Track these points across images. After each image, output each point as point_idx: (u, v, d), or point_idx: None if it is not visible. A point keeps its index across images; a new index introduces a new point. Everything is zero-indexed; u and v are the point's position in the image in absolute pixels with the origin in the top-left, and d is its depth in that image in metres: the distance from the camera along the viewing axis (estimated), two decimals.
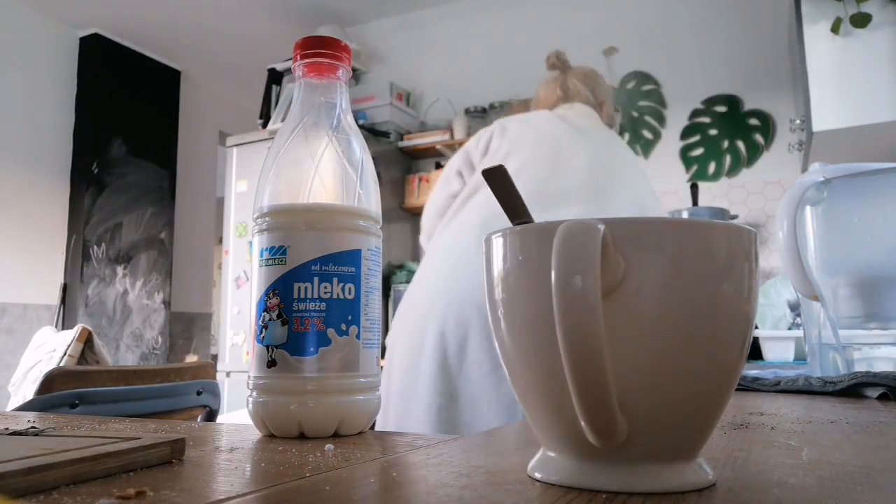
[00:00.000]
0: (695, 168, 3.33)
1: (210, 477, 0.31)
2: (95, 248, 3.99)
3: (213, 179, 4.93)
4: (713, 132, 3.32)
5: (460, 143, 2.91)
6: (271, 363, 0.44)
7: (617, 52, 3.55)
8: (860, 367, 0.75)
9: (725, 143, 3.28)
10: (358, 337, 0.45)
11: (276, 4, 3.87)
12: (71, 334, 1.81)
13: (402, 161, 3.68)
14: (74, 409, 1.07)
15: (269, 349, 0.45)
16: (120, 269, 4.12)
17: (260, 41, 4.20)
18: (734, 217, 3.10)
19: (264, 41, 4.17)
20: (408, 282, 3.19)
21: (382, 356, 0.62)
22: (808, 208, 0.82)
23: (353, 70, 3.57)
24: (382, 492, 0.27)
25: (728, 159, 3.27)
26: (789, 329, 1.90)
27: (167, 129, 4.52)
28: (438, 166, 3.64)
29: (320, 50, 0.50)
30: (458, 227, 1.32)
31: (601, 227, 0.25)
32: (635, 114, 3.50)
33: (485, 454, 0.36)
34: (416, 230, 2.78)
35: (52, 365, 1.74)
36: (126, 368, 1.26)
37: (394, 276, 3.36)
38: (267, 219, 0.46)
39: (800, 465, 0.32)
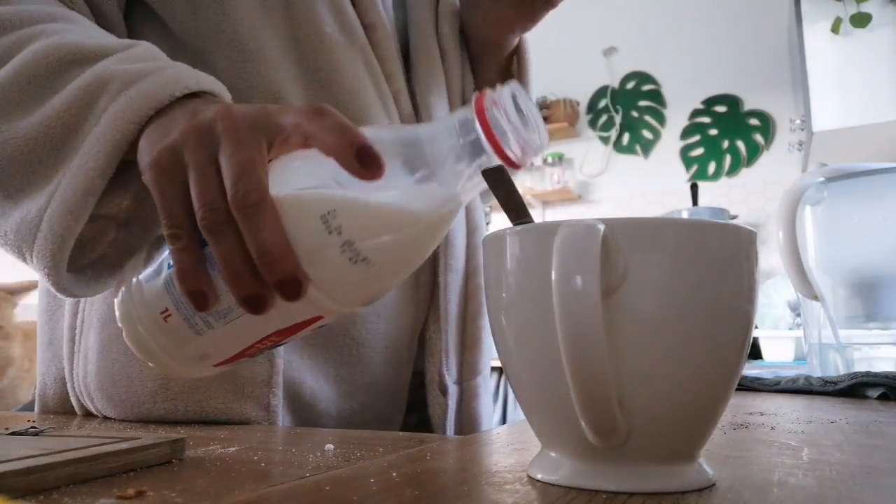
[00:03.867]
0: (695, 168, 3.33)
1: (210, 477, 0.31)
2: None
3: None
4: (713, 132, 3.32)
5: None
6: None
7: (617, 52, 3.55)
8: (860, 367, 0.75)
9: (725, 143, 3.28)
10: (169, 267, 0.39)
11: None
12: None
13: None
14: None
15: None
16: None
17: None
18: (734, 217, 3.10)
19: None
20: None
21: None
22: (808, 208, 0.82)
23: None
24: (382, 492, 0.27)
25: (728, 159, 3.27)
26: (789, 329, 1.90)
27: None
28: None
29: None
30: None
31: (601, 227, 0.25)
32: (635, 114, 3.50)
33: (485, 454, 0.36)
34: None
35: None
36: None
37: None
38: None
39: (800, 465, 0.32)
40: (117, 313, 0.38)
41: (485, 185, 0.35)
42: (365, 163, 0.33)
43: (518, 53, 0.73)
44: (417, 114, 0.66)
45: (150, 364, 0.39)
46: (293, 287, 0.33)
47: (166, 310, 0.37)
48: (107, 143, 0.40)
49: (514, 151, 0.34)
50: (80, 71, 0.43)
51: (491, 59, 0.72)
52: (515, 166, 0.34)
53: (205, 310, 0.35)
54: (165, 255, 0.37)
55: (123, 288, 0.39)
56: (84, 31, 0.47)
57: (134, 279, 0.39)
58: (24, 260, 0.43)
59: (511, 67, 0.74)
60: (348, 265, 0.34)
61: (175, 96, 0.41)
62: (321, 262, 0.34)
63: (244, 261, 0.33)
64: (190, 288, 0.35)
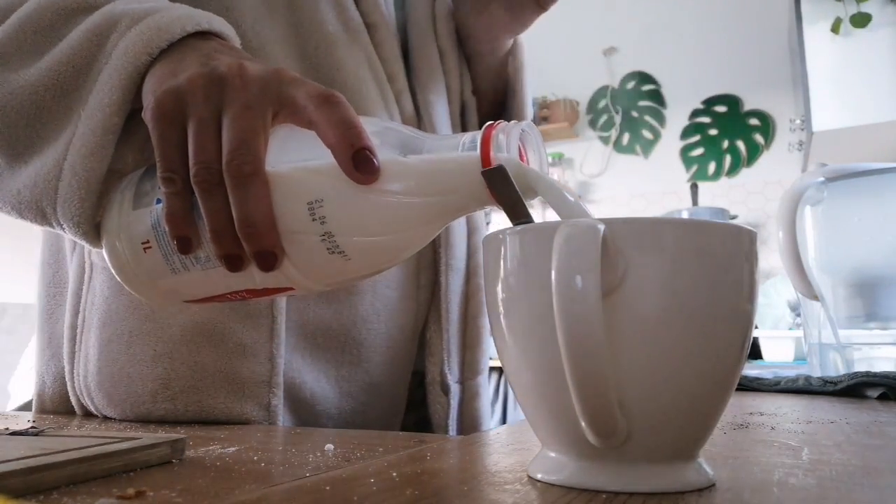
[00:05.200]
0: (695, 168, 3.33)
1: (210, 477, 0.31)
2: None
3: None
4: (713, 132, 3.32)
5: None
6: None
7: (617, 52, 3.55)
8: (860, 367, 0.75)
9: (725, 143, 3.28)
10: (158, 201, 0.39)
11: None
12: None
13: None
14: None
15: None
16: None
17: None
18: (734, 217, 3.10)
19: None
20: None
21: None
22: (808, 208, 0.82)
23: None
24: (382, 492, 0.27)
25: (728, 159, 3.27)
26: (789, 329, 1.90)
27: None
28: None
29: None
30: None
31: (601, 226, 0.25)
32: (635, 114, 3.50)
33: (485, 454, 0.36)
34: None
35: None
36: None
37: None
38: None
39: (800, 465, 0.32)
40: (102, 226, 0.39)
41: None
42: (360, 167, 0.33)
43: (513, 54, 0.73)
44: (418, 113, 0.67)
45: (123, 283, 0.40)
46: (268, 260, 0.34)
47: (147, 242, 0.38)
48: (120, 77, 0.40)
49: None
50: (86, 16, 0.43)
51: (485, 60, 0.72)
52: None
53: (186, 254, 0.36)
54: (155, 189, 0.38)
55: (111, 204, 0.39)
56: None
57: (120, 197, 0.39)
58: (45, 216, 0.42)
59: (507, 68, 0.74)
60: (325, 254, 0.35)
61: (187, 31, 0.41)
62: (299, 245, 0.35)
63: (228, 222, 0.34)
64: (177, 232, 0.35)
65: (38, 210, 0.42)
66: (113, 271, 0.40)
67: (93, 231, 0.41)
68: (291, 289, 0.38)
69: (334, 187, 0.34)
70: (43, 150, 0.42)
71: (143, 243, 0.38)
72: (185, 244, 0.36)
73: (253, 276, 0.37)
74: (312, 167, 0.35)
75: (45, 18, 0.43)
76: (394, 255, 0.37)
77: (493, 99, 0.75)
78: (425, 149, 0.36)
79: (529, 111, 0.74)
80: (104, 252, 0.39)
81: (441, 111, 0.68)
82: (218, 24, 0.42)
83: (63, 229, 0.42)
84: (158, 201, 0.37)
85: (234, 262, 0.35)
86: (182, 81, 0.36)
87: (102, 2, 0.44)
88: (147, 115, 0.37)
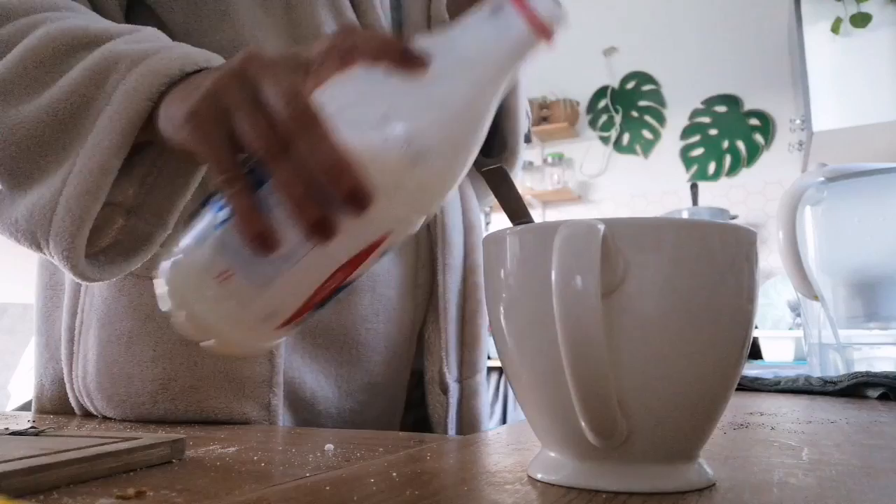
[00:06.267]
0: (695, 168, 3.33)
1: (210, 477, 0.31)
2: None
3: None
4: (713, 132, 3.32)
5: None
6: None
7: (617, 52, 3.55)
8: (860, 367, 0.75)
9: (725, 143, 3.28)
10: (217, 227, 0.36)
11: None
12: None
13: None
14: None
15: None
16: None
17: None
18: (734, 217, 3.10)
19: None
20: None
21: None
22: (808, 208, 0.82)
23: None
24: (382, 492, 0.27)
25: (728, 159, 3.27)
26: (789, 329, 1.90)
27: None
28: None
29: None
30: None
31: (601, 227, 0.25)
32: (635, 114, 3.50)
33: (485, 454, 0.36)
34: None
35: None
36: None
37: None
38: None
39: (800, 465, 0.32)
40: (168, 305, 0.36)
41: (525, 61, 0.35)
42: (409, 61, 0.33)
43: None
44: None
45: (211, 345, 0.36)
46: (363, 196, 0.32)
47: (224, 271, 0.34)
48: (120, 120, 0.40)
49: (542, 15, 0.33)
50: (86, 53, 0.43)
51: None
52: (543, 32, 0.34)
53: (271, 251, 0.33)
54: (207, 222, 0.35)
55: (162, 280, 0.36)
56: (87, 18, 0.48)
57: (169, 263, 0.36)
58: (39, 247, 0.43)
59: None
60: (408, 166, 0.33)
61: (185, 71, 0.41)
62: (382, 168, 0.33)
63: (307, 184, 0.32)
64: (255, 229, 0.33)
65: (32, 239, 0.43)
66: (202, 338, 0.36)
67: (80, 265, 0.42)
68: (384, 238, 0.36)
69: (392, 96, 0.33)
70: (41, 181, 0.43)
71: (218, 276, 0.34)
72: (268, 239, 0.33)
73: (346, 241, 0.35)
74: (358, 97, 0.34)
75: (46, 53, 0.44)
76: (468, 143, 0.36)
77: None
78: (453, 33, 0.35)
79: (523, 119, 0.73)
80: (187, 330, 0.36)
81: None
82: (216, 61, 0.42)
83: (55, 260, 0.43)
84: (218, 226, 0.35)
85: (325, 227, 0.33)
86: (208, 86, 0.36)
87: (103, 39, 0.44)
88: (186, 131, 0.36)
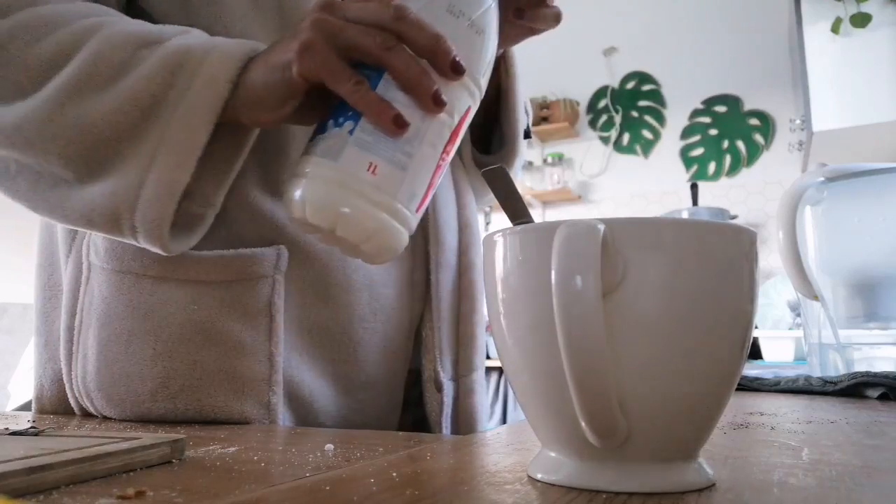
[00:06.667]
0: (695, 168, 3.33)
1: (210, 477, 0.31)
2: None
3: None
4: (713, 132, 3.32)
5: None
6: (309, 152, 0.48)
7: (617, 52, 3.55)
8: (860, 367, 0.75)
9: (725, 143, 3.28)
10: (350, 132, 0.42)
11: None
12: None
13: None
14: None
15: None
16: None
17: None
18: (734, 217, 3.10)
19: None
20: None
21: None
22: (808, 208, 0.82)
23: None
24: (382, 492, 0.27)
25: (728, 159, 3.27)
26: (789, 329, 1.90)
27: None
28: None
29: None
30: None
31: (601, 226, 0.25)
32: (635, 114, 3.50)
33: (485, 454, 0.36)
34: None
35: None
36: None
37: None
38: None
39: (800, 465, 0.32)
40: (324, 222, 0.42)
41: None
42: None
43: (506, 62, 0.71)
44: None
45: (368, 248, 0.43)
46: (458, 63, 0.43)
47: (370, 164, 0.42)
48: (208, 97, 0.46)
49: None
50: (154, 48, 0.48)
51: None
52: None
53: (404, 130, 0.42)
54: (335, 137, 0.42)
55: (311, 204, 0.42)
56: (133, 21, 0.52)
57: (316, 183, 0.42)
58: (118, 223, 0.48)
59: (500, 76, 0.72)
60: (474, 37, 0.45)
61: (256, 51, 0.48)
62: (459, 43, 0.44)
63: (418, 63, 0.42)
64: (390, 114, 0.41)
65: (112, 217, 0.48)
66: (365, 234, 0.42)
67: (165, 237, 0.48)
68: (469, 110, 0.46)
69: None
70: (119, 166, 0.47)
71: (368, 168, 0.41)
72: (400, 121, 0.41)
73: (451, 113, 0.44)
74: None
75: (115, 52, 0.48)
76: (496, 17, 0.47)
77: (486, 105, 0.74)
78: None
79: (523, 115, 0.73)
80: (350, 231, 0.42)
81: None
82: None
83: (136, 235, 0.48)
84: (353, 130, 0.42)
85: (439, 97, 0.43)
86: (303, 31, 0.44)
87: (161, 36, 0.49)
88: (305, 64, 0.43)
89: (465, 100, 0.46)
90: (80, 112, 0.47)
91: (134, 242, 0.50)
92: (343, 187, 0.41)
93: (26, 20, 0.49)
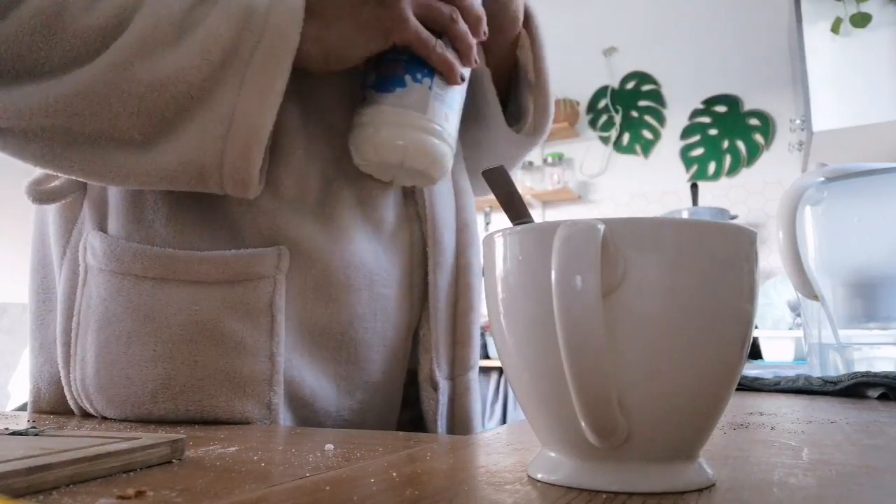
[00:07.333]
0: (695, 168, 3.33)
1: (210, 477, 0.31)
2: None
3: None
4: (713, 132, 3.32)
5: None
6: (362, 100, 0.58)
7: (617, 52, 3.55)
8: (860, 367, 0.75)
9: (725, 143, 3.28)
10: (430, 87, 0.56)
11: None
12: None
13: None
14: None
15: (361, 89, 0.59)
16: None
17: None
18: (734, 217, 3.10)
19: None
20: None
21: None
22: (808, 208, 0.82)
23: None
24: (382, 492, 0.27)
25: (728, 159, 3.27)
26: (789, 329, 1.90)
27: None
28: None
29: None
30: None
31: (601, 226, 0.25)
32: (635, 114, 3.50)
33: (485, 454, 0.36)
34: None
35: None
36: None
37: None
38: None
39: (800, 465, 0.32)
40: (397, 158, 0.56)
41: None
42: None
43: (522, 45, 0.71)
44: None
45: (427, 168, 0.58)
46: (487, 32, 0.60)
47: (445, 114, 0.57)
48: (283, 44, 0.50)
49: None
50: (207, 8, 0.51)
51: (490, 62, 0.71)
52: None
53: (464, 82, 0.59)
54: (419, 87, 0.56)
55: (392, 144, 0.55)
56: None
57: (411, 135, 0.55)
58: (202, 175, 0.51)
59: (514, 59, 0.73)
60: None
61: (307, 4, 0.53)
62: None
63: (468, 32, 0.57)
64: (458, 71, 0.57)
65: (197, 172, 0.50)
66: (427, 166, 0.57)
67: (254, 181, 0.52)
68: None
69: None
70: (194, 121, 0.50)
71: (444, 118, 0.57)
72: (462, 75, 0.57)
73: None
74: None
75: (174, 12, 0.50)
76: None
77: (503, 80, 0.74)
78: None
79: (552, 93, 0.73)
80: (430, 164, 0.57)
81: None
82: None
83: (222, 186, 0.52)
84: (431, 88, 0.56)
85: (475, 58, 0.59)
86: (394, 5, 0.53)
87: None
88: (401, 32, 0.54)
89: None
90: (150, 70, 0.48)
91: (217, 192, 0.53)
92: (432, 134, 0.56)
93: None
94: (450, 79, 0.56)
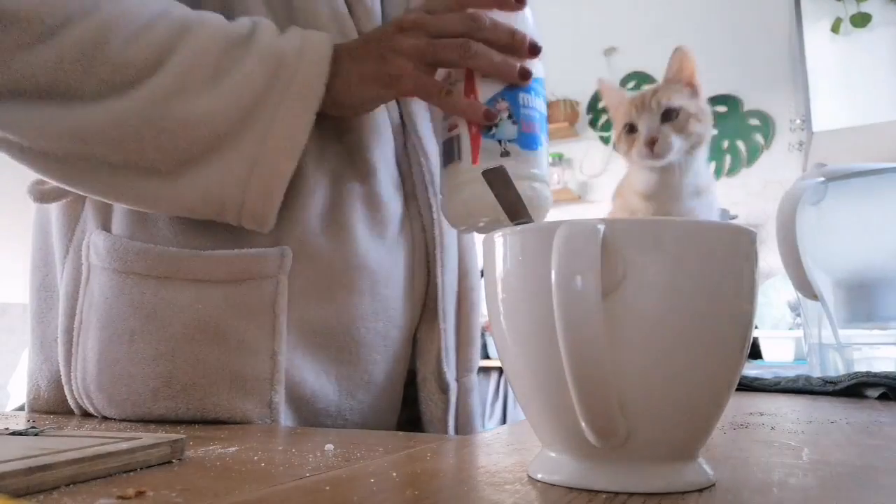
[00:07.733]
0: None
1: (210, 477, 0.31)
2: None
3: None
4: (713, 132, 3.32)
5: None
6: (504, 153, 0.56)
7: (617, 52, 3.55)
8: (860, 367, 0.75)
9: (725, 143, 3.28)
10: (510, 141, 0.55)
11: None
12: None
13: None
14: None
15: (501, 143, 0.57)
16: None
17: None
18: (734, 217, 3.10)
19: None
20: None
21: None
22: (808, 208, 0.82)
23: None
24: (382, 492, 0.27)
25: (728, 159, 3.27)
26: (789, 329, 1.90)
27: None
28: None
29: None
30: None
31: (601, 227, 0.25)
32: None
33: (485, 454, 0.36)
34: None
35: None
36: None
37: None
38: None
39: (800, 465, 0.32)
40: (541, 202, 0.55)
41: None
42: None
43: None
44: (402, 120, 0.67)
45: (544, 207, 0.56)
46: (537, 45, 0.55)
47: (502, 150, 0.54)
48: (310, 89, 0.52)
49: None
50: (241, 52, 0.52)
51: None
52: None
53: (495, 118, 0.53)
54: (489, 146, 0.53)
55: (479, 200, 0.53)
56: (206, 14, 0.54)
57: (468, 186, 0.53)
58: (222, 209, 0.52)
59: None
60: (530, 17, 0.56)
61: (337, 48, 0.55)
62: (527, 27, 0.55)
63: (496, 55, 0.53)
64: (480, 111, 0.52)
65: (217, 206, 0.52)
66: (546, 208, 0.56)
67: (272, 217, 0.54)
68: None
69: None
70: (219, 159, 0.51)
71: (501, 155, 0.53)
72: (490, 113, 0.52)
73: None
74: None
75: (211, 53, 0.51)
76: None
77: None
78: None
79: None
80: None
81: (424, 119, 0.69)
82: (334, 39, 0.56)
83: (240, 220, 0.53)
84: (504, 143, 0.53)
85: (525, 73, 0.53)
86: (395, 56, 0.53)
87: (244, 34, 0.53)
88: (400, 86, 0.54)
89: (539, 67, 0.56)
90: (184, 108, 0.50)
91: (233, 224, 0.54)
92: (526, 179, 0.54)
93: (114, 18, 0.49)
94: (473, 119, 0.52)
